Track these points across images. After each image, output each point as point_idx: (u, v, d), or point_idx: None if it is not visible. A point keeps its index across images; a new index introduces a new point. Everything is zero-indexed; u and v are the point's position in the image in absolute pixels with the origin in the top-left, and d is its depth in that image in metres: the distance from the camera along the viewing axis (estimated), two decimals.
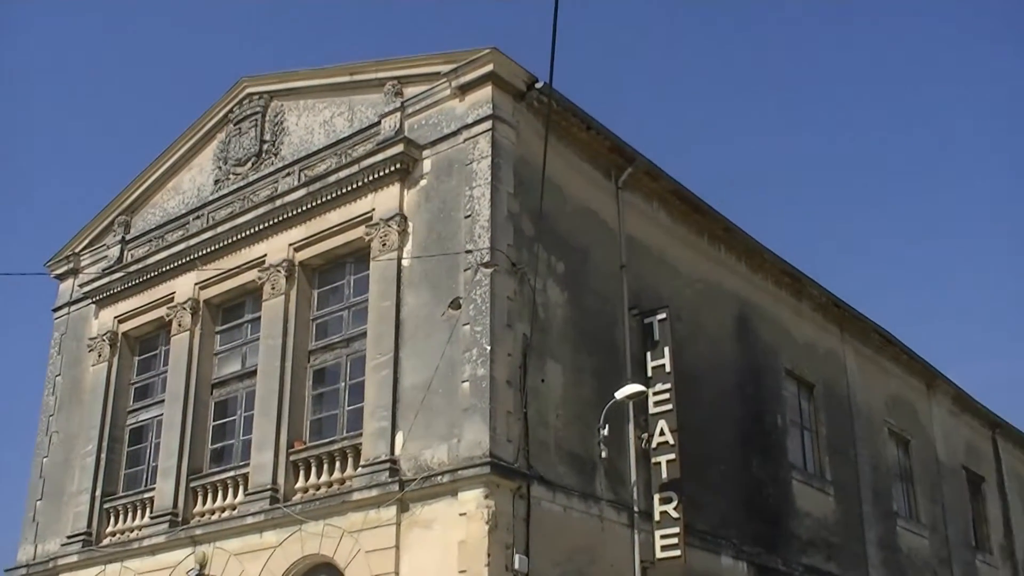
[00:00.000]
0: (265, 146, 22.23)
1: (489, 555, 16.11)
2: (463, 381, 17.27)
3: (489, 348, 17.15)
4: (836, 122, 77.18)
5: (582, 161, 20.33)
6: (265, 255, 21.01)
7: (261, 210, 21.12)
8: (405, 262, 18.92)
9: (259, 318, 21.01)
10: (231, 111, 23.22)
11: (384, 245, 19.15)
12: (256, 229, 21.18)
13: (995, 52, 74.33)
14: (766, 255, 24.86)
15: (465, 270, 17.88)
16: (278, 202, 20.87)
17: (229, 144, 23.00)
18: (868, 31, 74.00)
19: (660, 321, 20.23)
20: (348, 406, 19.36)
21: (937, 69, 75.44)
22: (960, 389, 32.85)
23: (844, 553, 25.32)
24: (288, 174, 21.41)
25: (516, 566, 16.41)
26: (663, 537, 19.02)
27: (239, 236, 21.45)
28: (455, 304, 17.75)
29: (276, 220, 20.88)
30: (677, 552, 18.90)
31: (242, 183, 22.31)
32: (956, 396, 32.88)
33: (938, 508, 30.28)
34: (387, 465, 17.67)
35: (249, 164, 22.42)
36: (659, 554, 18.99)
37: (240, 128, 22.85)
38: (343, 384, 19.65)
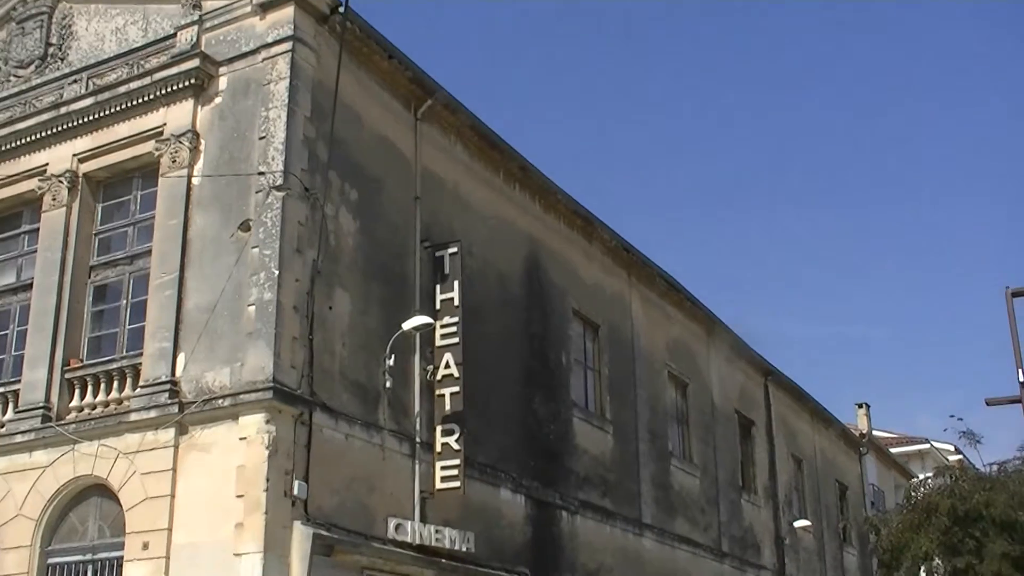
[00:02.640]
0: (51, 50, 21.11)
1: (268, 480, 16.02)
2: (249, 305, 16.99)
3: (277, 273, 16.91)
4: (649, 70, 78.88)
5: (382, 90, 20.11)
6: (47, 164, 20.06)
7: (44, 116, 20.13)
8: (195, 181, 18.38)
9: (37, 230, 20.11)
10: (13, 8, 21.90)
11: (174, 162, 18.57)
12: (38, 136, 20.19)
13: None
14: (559, 196, 25.19)
15: (256, 192, 17.51)
16: (63, 110, 19.94)
17: (11, 44, 21.73)
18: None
19: (451, 255, 20.32)
20: (129, 325, 18.79)
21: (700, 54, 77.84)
22: (737, 337, 34.15)
23: (619, 490, 26.17)
24: (75, 81, 20.43)
25: (295, 492, 16.37)
26: (443, 468, 19.27)
27: (19, 143, 20.39)
28: (245, 226, 17.40)
29: (60, 128, 19.93)
30: (457, 484, 19.20)
31: (24, 87, 21.17)
32: (733, 343, 34.15)
33: (710, 450, 31.58)
34: (167, 387, 17.27)
35: (32, 67, 21.28)
36: (439, 485, 19.25)
37: (23, 28, 21.61)
38: (125, 302, 19.06)
